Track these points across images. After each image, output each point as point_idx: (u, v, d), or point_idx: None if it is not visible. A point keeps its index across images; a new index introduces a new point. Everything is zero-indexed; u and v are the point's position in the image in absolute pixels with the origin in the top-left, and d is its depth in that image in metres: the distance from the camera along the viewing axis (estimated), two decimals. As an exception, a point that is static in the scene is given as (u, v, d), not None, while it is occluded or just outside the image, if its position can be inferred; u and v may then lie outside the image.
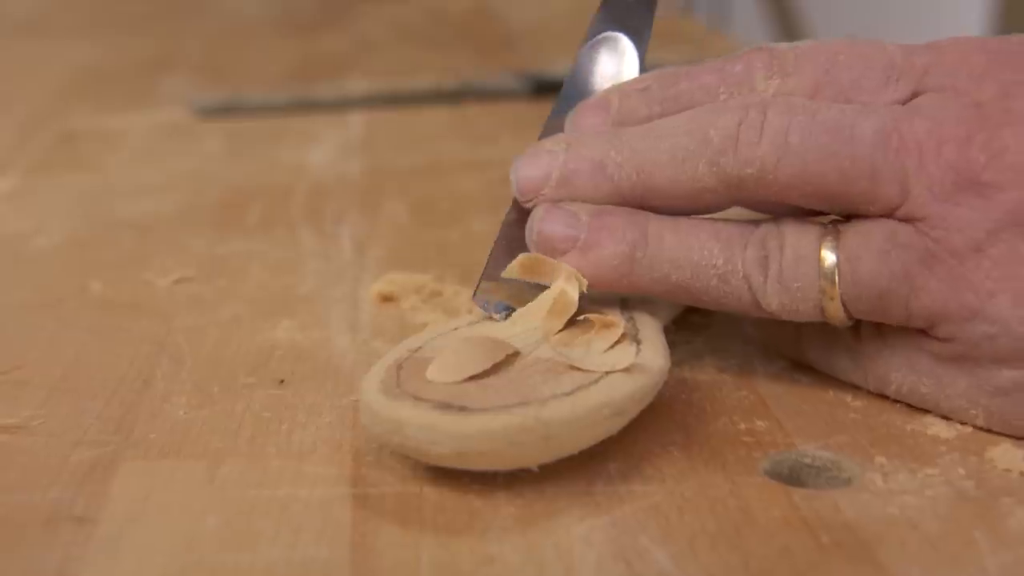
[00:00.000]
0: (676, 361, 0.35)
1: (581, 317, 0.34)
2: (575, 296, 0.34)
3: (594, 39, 0.40)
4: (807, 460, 0.32)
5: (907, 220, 0.32)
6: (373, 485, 0.31)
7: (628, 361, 0.32)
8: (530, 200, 0.36)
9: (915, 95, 0.33)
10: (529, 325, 0.34)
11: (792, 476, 0.31)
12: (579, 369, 0.31)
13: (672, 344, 0.35)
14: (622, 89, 0.37)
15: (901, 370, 0.34)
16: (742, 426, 0.34)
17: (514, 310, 0.35)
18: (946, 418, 0.33)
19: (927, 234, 0.31)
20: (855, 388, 0.35)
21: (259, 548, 0.28)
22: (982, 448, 0.32)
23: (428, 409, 0.30)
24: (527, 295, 0.35)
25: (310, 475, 0.31)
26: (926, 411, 0.34)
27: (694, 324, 0.40)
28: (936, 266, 0.31)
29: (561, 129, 0.38)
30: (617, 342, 0.33)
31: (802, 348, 0.36)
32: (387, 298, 0.43)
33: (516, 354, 0.33)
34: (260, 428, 0.34)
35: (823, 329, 0.35)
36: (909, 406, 0.34)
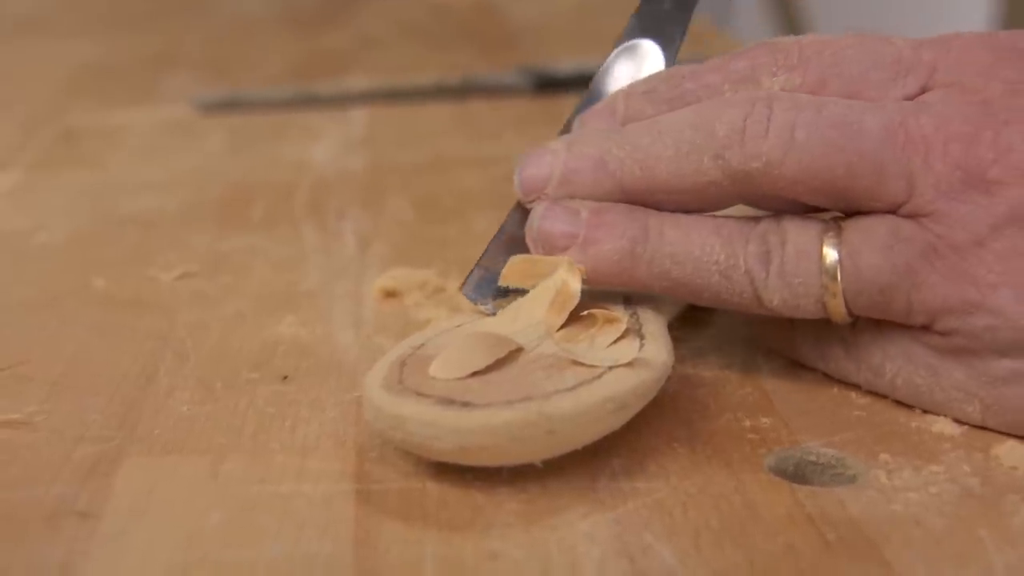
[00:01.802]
0: (680, 357, 0.35)
1: (584, 312, 0.34)
2: (577, 288, 0.34)
3: (623, 45, 0.40)
4: (812, 457, 0.32)
5: (911, 216, 0.32)
6: (376, 481, 0.31)
7: (631, 356, 0.31)
8: (532, 199, 0.36)
9: (924, 91, 0.33)
10: (532, 320, 0.34)
11: (797, 473, 0.31)
12: (582, 364, 0.31)
13: (676, 340, 0.35)
14: (628, 92, 0.37)
15: (897, 360, 0.33)
16: (746, 423, 0.34)
17: (503, 299, 0.35)
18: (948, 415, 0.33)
19: (930, 229, 0.32)
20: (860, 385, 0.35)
21: (262, 544, 0.28)
22: (987, 445, 0.32)
23: (431, 405, 0.30)
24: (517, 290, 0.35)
25: (313, 471, 0.31)
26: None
27: (698, 320, 0.40)
28: (937, 261, 0.31)
29: None
30: (620, 337, 0.33)
31: (795, 342, 0.36)
32: (390, 294, 0.43)
33: (519, 350, 0.33)
34: (263, 424, 0.34)
35: (817, 322, 0.35)
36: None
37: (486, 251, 0.37)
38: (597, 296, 0.35)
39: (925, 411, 0.34)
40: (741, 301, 0.34)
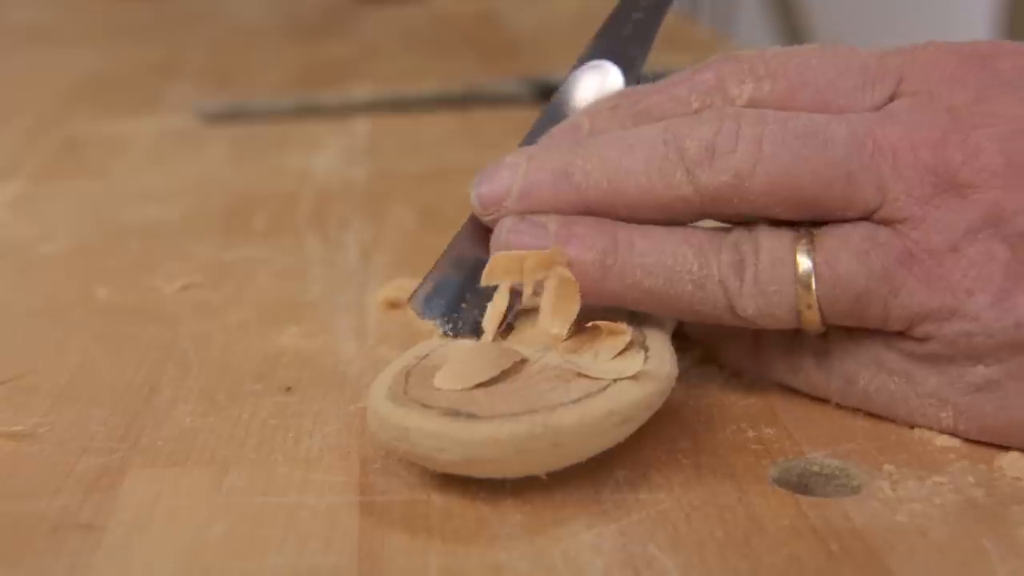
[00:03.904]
0: (684, 368, 0.35)
1: (588, 324, 0.34)
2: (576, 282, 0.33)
3: (582, 66, 0.40)
4: (816, 468, 0.32)
5: (885, 223, 0.32)
6: (381, 492, 0.31)
7: (636, 368, 0.31)
8: (491, 214, 0.35)
9: (891, 99, 0.33)
10: (537, 331, 0.34)
11: (801, 484, 0.31)
12: (587, 376, 0.31)
13: (679, 351, 0.35)
14: (592, 110, 0.37)
15: (870, 368, 0.33)
16: (750, 433, 0.34)
17: (453, 315, 0.35)
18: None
19: (906, 235, 0.32)
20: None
21: (266, 556, 0.28)
22: (991, 456, 0.32)
23: (436, 416, 0.30)
24: (468, 302, 0.35)
25: (317, 482, 0.31)
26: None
27: (701, 331, 0.40)
28: (914, 266, 0.32)
29: None
30: (625, 349, 0.33)
31: (762, 357, 0.36)
32: (393, 304, 0.43)
33: (524, 361, 0.33)
34: (267, 435, 0.34)
35: (786, 334, 0.35)
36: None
37: (436, 265, 0.37)
38: (601, 307, 0.35)
39: (900, 423, 0.34)
40: (714, 312, 0.33)
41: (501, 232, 0.35)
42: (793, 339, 0.35)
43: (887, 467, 0.32)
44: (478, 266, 0.35)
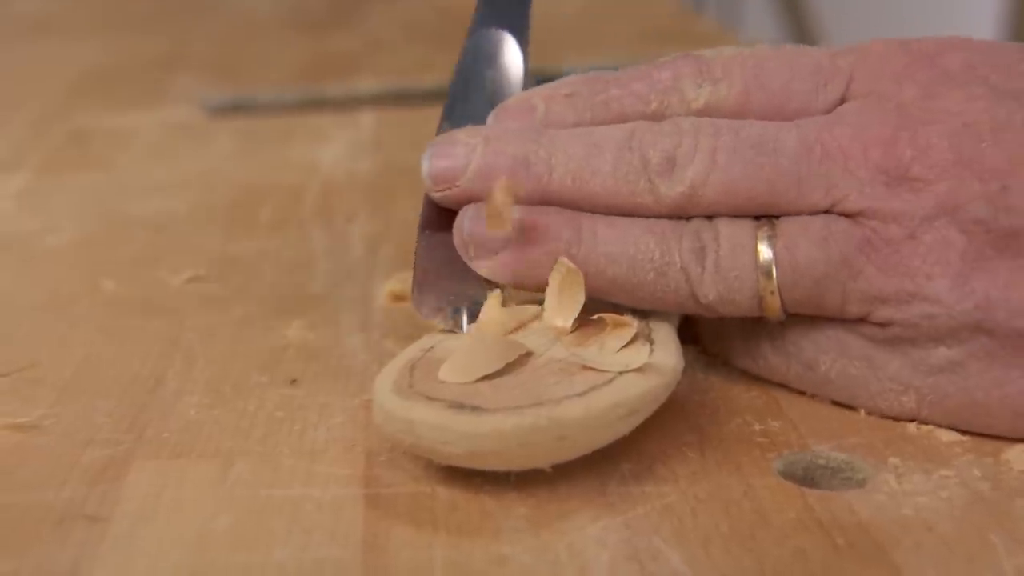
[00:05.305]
0: (689, 361, 0.35)
1: (594, 317, 0.34)
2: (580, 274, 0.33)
3: (475, 35, 0.40)
4: (821, 461, 0.32)
5: (843, 215, 0.33)
6: (386, 485, 0.31)
7: (641, 361, 0.31)
8: (442, 191, 0.35)
9: (844, 99, 0.34)
10: (542, 324, 0.34)
11: (806, 477, 0.31)
12: (592, 369, 0.31)
13: (685, 344, 0.35)
14: (546, 93, 0.37)
15: (830, 353, 0.34)
16: (756, 427, 0.34)
17: (451, 311, 0.35)
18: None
19: (864, 223, 0.32)
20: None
21: (271, 548, 0.28)
22: (998, 450, 0.32)
23: (441, 409, 0.30)
24: (470, 295, 0.35)
25: (322, 475, 0.31)
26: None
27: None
28: (873, 253, 0.32)
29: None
30: (630, 342, 0.33)
31: (722, 342, 0.36)
32: (399, 297, 0.43)
33: (529, 354, 0.33)
34: (272, 427, 0.34)
35: (745, 321, 0.35)
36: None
37: (415, 262, 0.36)
38: (607, 300, 0.35)
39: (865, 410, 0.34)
40: (677, 299, 0.34)
41: (463, 221, 0.34)
42: (752, 326, 0.35)
43: (893, 460, 0.32)
44: (450, 254, 0.35)
